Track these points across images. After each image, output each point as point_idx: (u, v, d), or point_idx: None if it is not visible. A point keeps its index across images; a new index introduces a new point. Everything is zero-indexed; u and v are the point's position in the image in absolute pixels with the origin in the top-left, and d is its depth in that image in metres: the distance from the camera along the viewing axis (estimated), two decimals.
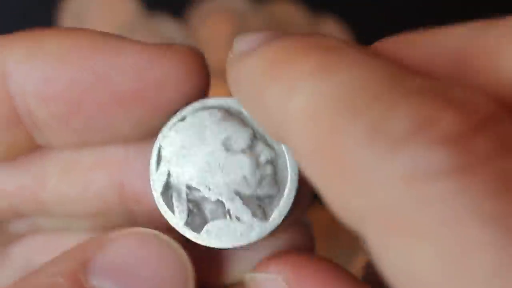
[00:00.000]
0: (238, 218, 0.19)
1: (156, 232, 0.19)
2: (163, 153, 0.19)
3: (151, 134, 0.20)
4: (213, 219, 0.19)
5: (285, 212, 0.19)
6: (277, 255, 0.20)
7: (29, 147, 0.20)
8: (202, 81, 0.20)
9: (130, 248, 0.19)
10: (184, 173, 0.19)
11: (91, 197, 0.21)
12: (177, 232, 0.20)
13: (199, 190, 0.19)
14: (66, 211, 0.22)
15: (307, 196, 0.21)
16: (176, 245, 0.19)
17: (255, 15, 0.43)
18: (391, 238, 0.13)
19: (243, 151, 0.19)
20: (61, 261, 0.19)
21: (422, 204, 0.12)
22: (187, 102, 0.20)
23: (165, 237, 0.19)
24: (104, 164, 0.21)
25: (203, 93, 0.20)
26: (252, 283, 0.20)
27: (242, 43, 0.18)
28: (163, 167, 0.19)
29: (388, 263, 0.13)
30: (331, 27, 0.42)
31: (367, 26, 0.42)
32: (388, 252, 0.13)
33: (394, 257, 0.13)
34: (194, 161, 0.19)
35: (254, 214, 0.19)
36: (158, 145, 0.20)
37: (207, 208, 0.19)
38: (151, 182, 0.19)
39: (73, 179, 0.21)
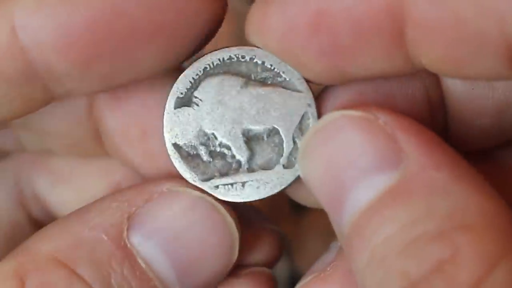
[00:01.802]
0: None
1: (203, 195, 0.18)
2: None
3: (174, 68, 0.19)
4: None
5: None
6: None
7: (45, 99, 0.19)
8: (220, 5, 0.19)
9: (176, 210, 0.18)
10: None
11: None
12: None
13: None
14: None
15: None
16: (223, 210, 0.18)
17: None
18: None
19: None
20: (105, 212, 0.18)
21: None
22: (207, 31, 0.19)
23: (212, 201, 0.18)
24: None
25: (221, 19, 0.19)
26: (340, 119, 0.18)
27: None
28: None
29: None
30: None
31: None
32: None
33: None
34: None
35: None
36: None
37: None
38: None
39: None
